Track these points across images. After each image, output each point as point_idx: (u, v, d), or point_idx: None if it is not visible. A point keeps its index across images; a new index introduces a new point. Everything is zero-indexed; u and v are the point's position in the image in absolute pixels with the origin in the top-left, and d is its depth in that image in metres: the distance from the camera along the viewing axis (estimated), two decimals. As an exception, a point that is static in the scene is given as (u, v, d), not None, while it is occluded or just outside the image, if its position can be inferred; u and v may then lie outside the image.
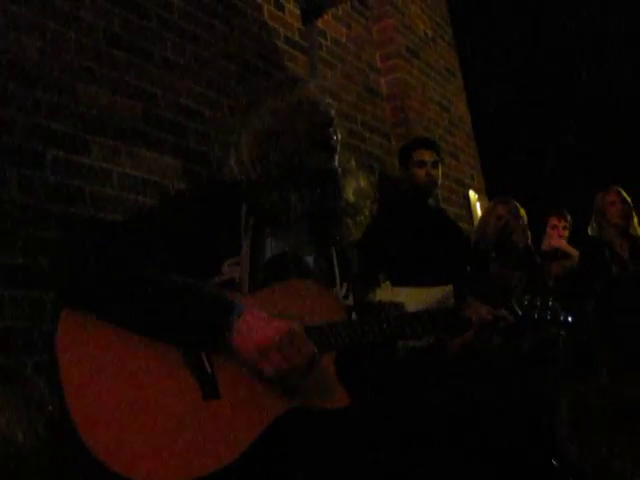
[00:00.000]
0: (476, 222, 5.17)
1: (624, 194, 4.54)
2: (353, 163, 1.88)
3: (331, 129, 1.77)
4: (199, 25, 3.73)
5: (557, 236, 5.12)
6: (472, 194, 5.82)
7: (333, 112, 1.81)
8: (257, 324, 1.45)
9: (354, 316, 1.71)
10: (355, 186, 1.82)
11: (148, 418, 1.37)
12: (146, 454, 1.34)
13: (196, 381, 1.43)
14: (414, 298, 2.79)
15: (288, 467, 1.40)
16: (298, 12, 4.56)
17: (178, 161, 3.32)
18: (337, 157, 1.79)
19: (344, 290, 1.78)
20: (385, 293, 2.93)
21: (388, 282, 3.15)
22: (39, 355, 2.42)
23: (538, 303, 1.82)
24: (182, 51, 3.57)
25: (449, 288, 2.96)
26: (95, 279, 1.49)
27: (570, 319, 1.82)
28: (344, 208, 1.78)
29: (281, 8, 4.47)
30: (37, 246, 2.58)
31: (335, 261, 1.80)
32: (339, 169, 1.79)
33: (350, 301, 1.77)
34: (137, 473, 1.32)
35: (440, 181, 3.88)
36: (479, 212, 5.60)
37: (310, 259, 1.74)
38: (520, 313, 1.80)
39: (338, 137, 1.79)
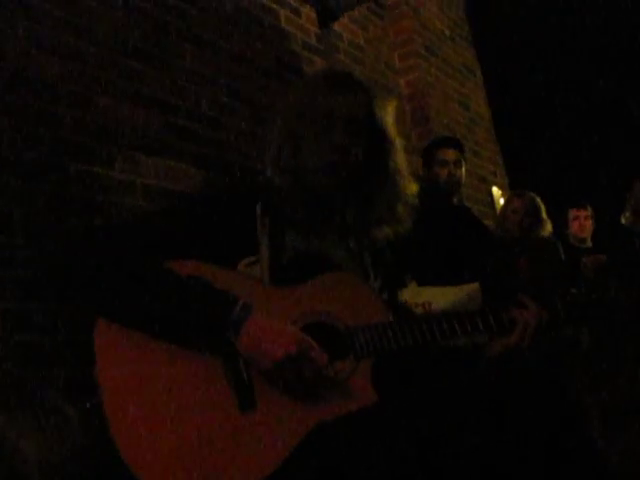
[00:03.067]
0: (500, 219, 5.13)
1: None
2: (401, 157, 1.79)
3: (358, 107, 1.68)
4: (216, 33, 3.75)
5: (579, 227, 5.08)
6: (495, 191, 5.79)
7: (363, 83, 1.72)
8: (263, 333, 1.42)
9: (392, 317, 1.62)
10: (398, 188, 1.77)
11: (182, 428, 1.36)
12: (178, 466, 1.32)
13: (233, 391, 1.41)
14: (440, 297, 2.77)
15: (325, 477, 1.37)
16: (314, 16, 4.57)
17: (200, 170, 3.34)
18: (370, 139, 1.69)
19: (378, 285, 1.73)
20: (411, 293, 2.92)
21: (414, 282, 3.13)
22: (60, 369, 2.42)
23: (579, 299, 1.69)
24: (200, 60, 3.59)
25: (476, 286, 2.94)
26: (90, 281, 1.48)
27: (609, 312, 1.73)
28: (375, 214, 1.73)
29: (297, 13, 4.48)
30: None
31: (366, 255, 1.74)
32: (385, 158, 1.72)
33: (385, 297, 1.72)
34: None
35: (464, 180, 3.87)
36: (503, 209, 5.56)
37: (338, 254, 1.69)
38: (562, 315, 1.66)
39: (372, 118, 1.69)
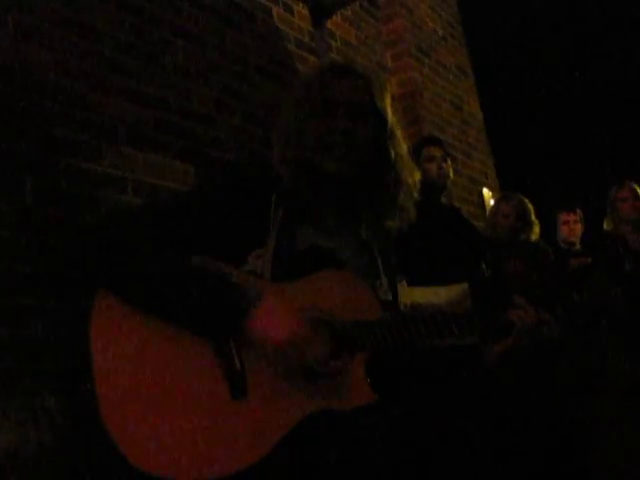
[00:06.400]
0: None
1: (637, 190, 4.52)
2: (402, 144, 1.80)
3: (357, 92, 1.69)
4: (209, 30, 3.74)
5: (569, 231, 5.09)
6: (486, 192, 5.80)
7: (362, 71, 1.75)
8: (272, 316, 1.45)
9: (389, 315, 1.62)
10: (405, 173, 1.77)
11: (175, 414, 1.37)
12: (169, 451, 1.33)
13: (225, 378, 1.42)
14: (430, 297, 2.77)
15: (312, 468, 1.37)
16: (307, 14, 4.56)
17: (191, 167, 3.33)
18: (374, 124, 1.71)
19: (385, 284, 1.73)
20: (401, 293, 2.92)
21: (404, 282, 3.13)
22: (46, 364, 2.40)
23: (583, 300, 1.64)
24: (193, 57, 3.58)
25: (464, 286, 2.94)
26: (119, 266, 1.53)
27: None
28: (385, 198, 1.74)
29: (290, 11, 4.47)
30: (51, 255, 2.59)
31: (377, 253, 1.75)
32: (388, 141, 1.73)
33: (389, 296, 1.72)
34: (159, 470, 1.31)
35: (452, 176, 3.95)
36: (493, 210, 5.56)
37: (347, 252, 1.69)
38: (565, 318, 1.61)
39: (374, 101, 1.71)
